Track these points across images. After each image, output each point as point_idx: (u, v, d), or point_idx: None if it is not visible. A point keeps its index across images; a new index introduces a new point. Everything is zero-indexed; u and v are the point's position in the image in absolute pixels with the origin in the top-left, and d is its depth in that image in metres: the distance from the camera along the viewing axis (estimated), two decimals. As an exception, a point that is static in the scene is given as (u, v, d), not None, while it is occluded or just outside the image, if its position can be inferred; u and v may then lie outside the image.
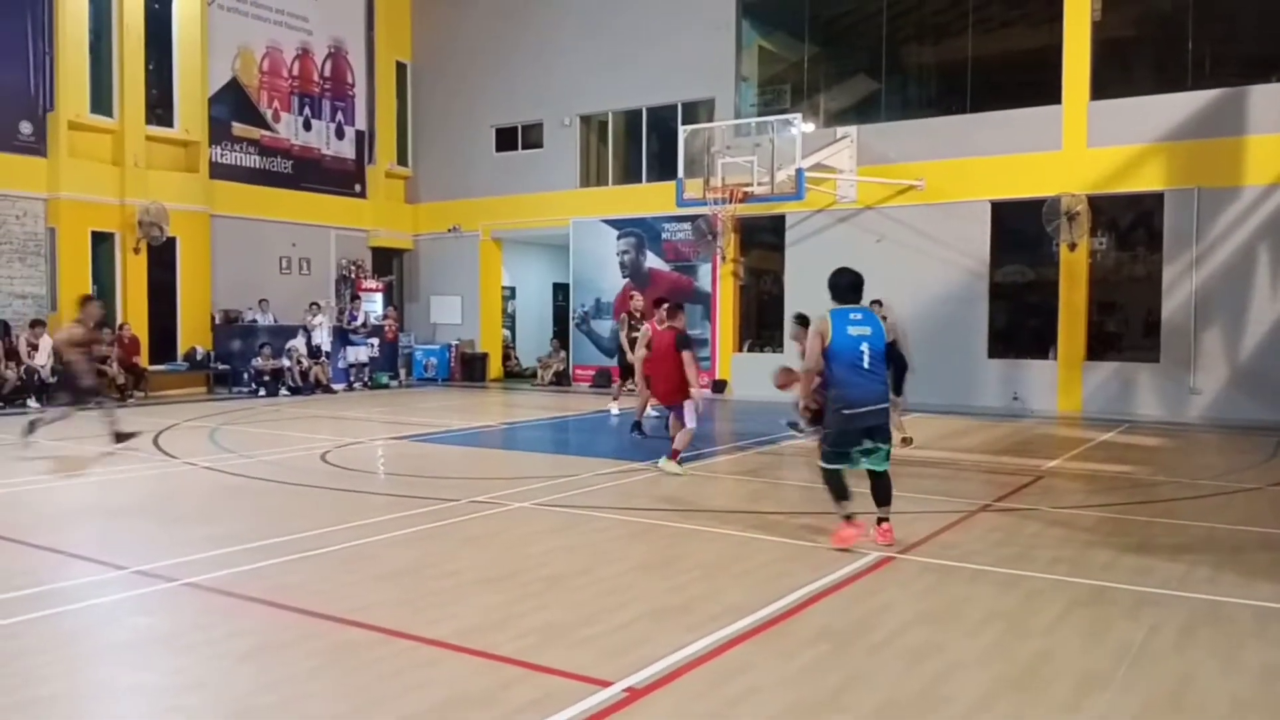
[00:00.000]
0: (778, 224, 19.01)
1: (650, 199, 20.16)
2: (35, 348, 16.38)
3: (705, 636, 4.73)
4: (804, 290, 18.51)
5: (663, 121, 20.38)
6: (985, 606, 5.35)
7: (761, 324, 19.91)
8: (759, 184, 16.58)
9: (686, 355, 9.73)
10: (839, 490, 6.71)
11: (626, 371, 15.27)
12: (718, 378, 19.77)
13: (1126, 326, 17.04)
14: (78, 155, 17.96)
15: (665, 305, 11.00)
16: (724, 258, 19.45)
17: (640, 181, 20.93)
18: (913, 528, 7.23)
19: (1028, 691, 4.17)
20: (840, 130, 18.12)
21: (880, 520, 6.73)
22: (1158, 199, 15.70)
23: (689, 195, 17.59)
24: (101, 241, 18.38)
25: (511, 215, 22.50)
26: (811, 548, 6.66)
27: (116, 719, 4.03)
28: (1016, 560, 6.34)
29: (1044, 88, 16.45)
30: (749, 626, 4.92)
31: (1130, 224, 16.71)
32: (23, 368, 16.19)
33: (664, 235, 20.34)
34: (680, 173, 17.74)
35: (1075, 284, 16.27)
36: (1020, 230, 16.77)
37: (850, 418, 6.57)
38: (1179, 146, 15.35)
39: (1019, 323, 17.48)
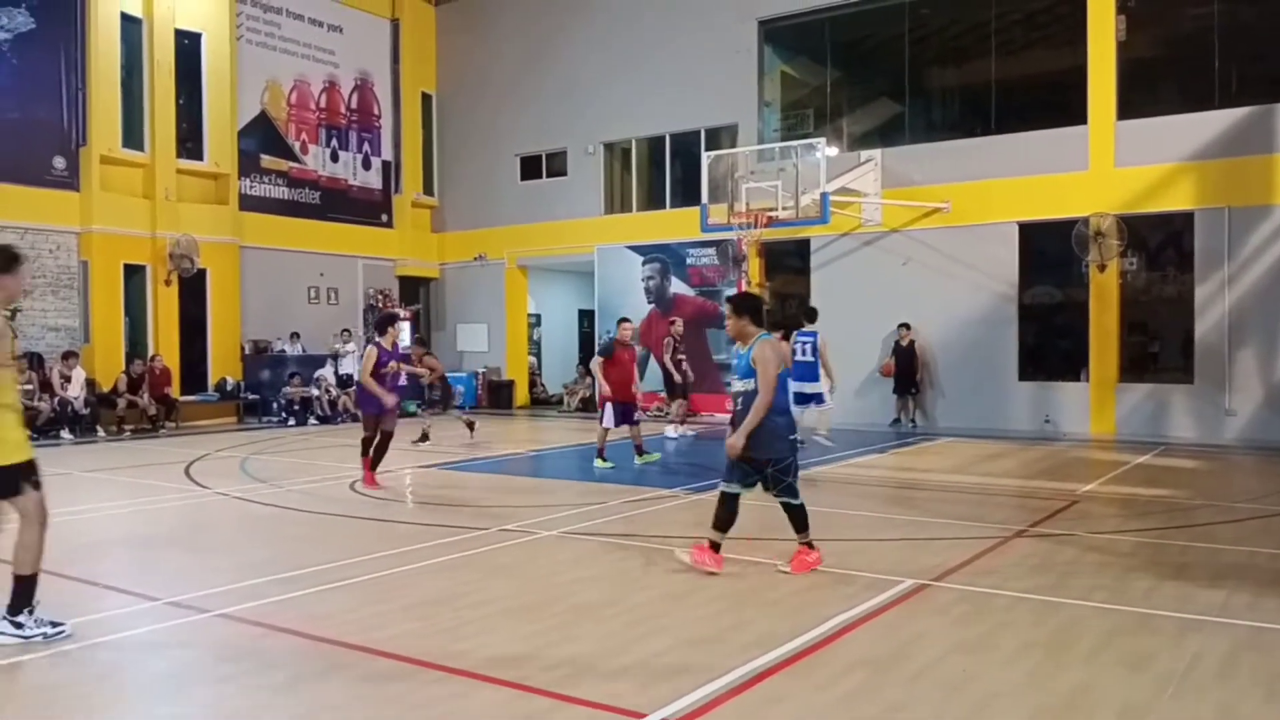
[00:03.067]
0: (803, 248, 18.99)
1: (674, 225, 20.21)
2: (68, 379, 16.57)
3: (738, 667, 4.68)
4: (831, 313, 18.45)
5: (686, 148, 20.46)
6: (1022, 635, 5.26)
7: (788, 348, 19.85)
8: (783, 208, 16.61)
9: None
10: (806, 517, 6.68)
11: (673, 393, 16.31)
12: (744, 403, 19.69)
13: (1159, 348, 16.86)
14: (110, 189, 18.26)
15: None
16: (749, 282, 19.41)
17: (664, 208, 20.99)
18: (946, 555, 7.15)
19: (1069, 723, 4.09)
20: (864, 154, 18.12)
21: (714, 544, 6.64)
22: (1188, 218, 15.56)
23: (713, 221, 17.65)
24: (133, 274, 18.64)
25: (536, 243, 22.62)
26: (842, 574, 6.58)
27: (150, 752, 4.03)
28: (1053, 587, 6.24)
29: (1069, 108, 16.39)
30: (782, 656, 4.86)
31: (1160, 244, 16.57)
32: (56, 400, 16.38)
33: (689, 260, 20.37)
34: (704, 198, 17.81)
35: (1106, 305, 16.11)
36: (1049, 251, 16.66)
37: (794, 445, 6.65)
38: (1209, 165, 15.22)
39: (1050, 345, 17.34)
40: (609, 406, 12.14)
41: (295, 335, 20.54)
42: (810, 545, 6.64)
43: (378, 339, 11.20)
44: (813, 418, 14.02)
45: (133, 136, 18.74)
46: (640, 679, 4.58)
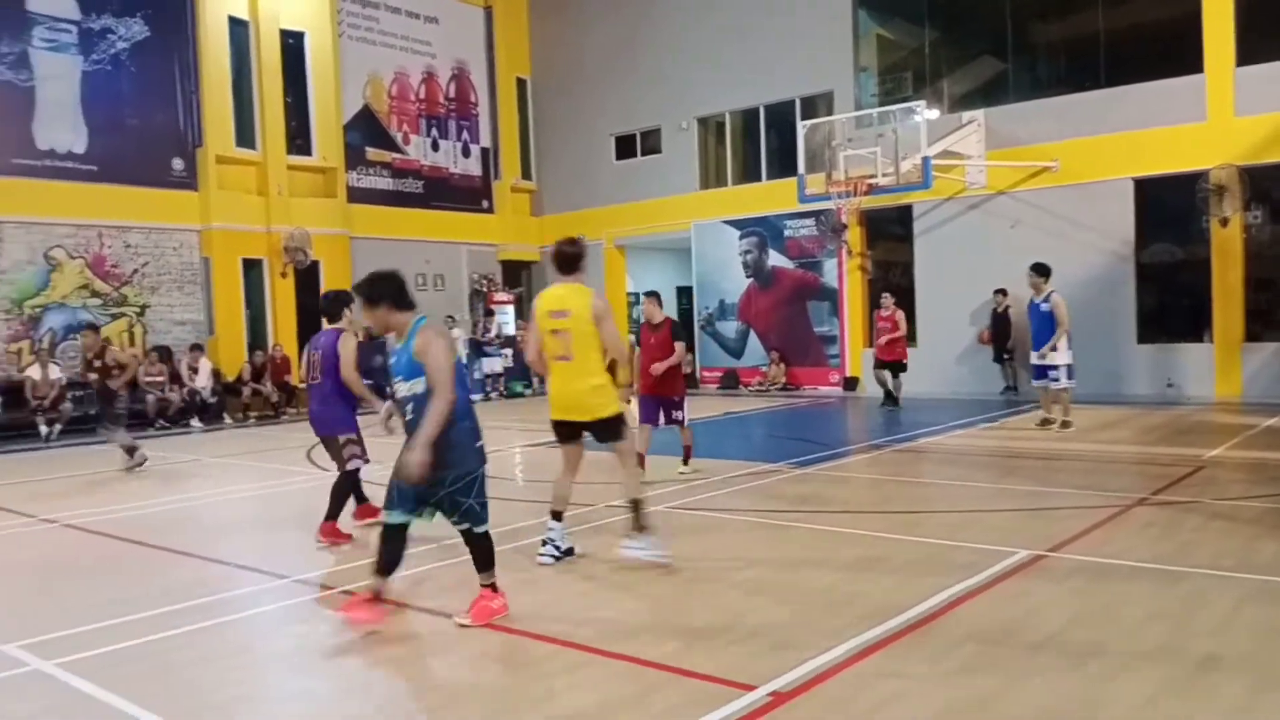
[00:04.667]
0: (904, 214, 18.60)
1: (771, 197, 20.02)
2: (195, 371, 17.44)
3: (850, 639, 4.67)
4: (936, 280, 18.09)
5: (781, 118, 20.21)
6: (1145, 606, 5.10)
7: (892, 318, 19.51)
8: (883, 175, 16.29)
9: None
10: (492, 552, 5.46)
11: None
12: (849, 375, 19.48)
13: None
14: (226, 187, 19.05)
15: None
16: (850, 252, 19.14)
17: (760, 180, 20.80)
18: (1063, 525, 6.98)
19: (1195, 696, 3.96)
20: (966, 115, 17.59)
21: (376, 593, 5.21)
22: (1317, 166, 14.70)
23: (811, 191, 17.42)
24: (251, 268, 19.44)
25: (633, 222, 22.69)
26: (953, 547, 6.49)
27: (287, 722, 4.25)
28: (1177, 556, 6.03)
29: (1184, 57, 15.59)
30: (895, 629, 4.83)
31: (1287, 195, 15.67)
32: (185, 390, 17.24)
33: (786, 233, 20.16)
34: (801, 169, 17.58)
35: (1229, 262, 15.36)
36: (1166, 208, 15.94)
37: (482, 456, 5.51)
38: (1339, 109, 14.33)
39: (1170, 305, 16.60)
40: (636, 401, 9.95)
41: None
42: (494, 588, 5.35)
43: (341, 326, 8.49)
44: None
45: (245, 136, 19.48)
46: (751, 651, 4.62)
